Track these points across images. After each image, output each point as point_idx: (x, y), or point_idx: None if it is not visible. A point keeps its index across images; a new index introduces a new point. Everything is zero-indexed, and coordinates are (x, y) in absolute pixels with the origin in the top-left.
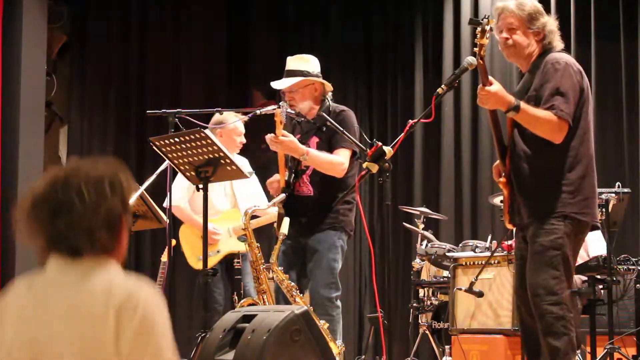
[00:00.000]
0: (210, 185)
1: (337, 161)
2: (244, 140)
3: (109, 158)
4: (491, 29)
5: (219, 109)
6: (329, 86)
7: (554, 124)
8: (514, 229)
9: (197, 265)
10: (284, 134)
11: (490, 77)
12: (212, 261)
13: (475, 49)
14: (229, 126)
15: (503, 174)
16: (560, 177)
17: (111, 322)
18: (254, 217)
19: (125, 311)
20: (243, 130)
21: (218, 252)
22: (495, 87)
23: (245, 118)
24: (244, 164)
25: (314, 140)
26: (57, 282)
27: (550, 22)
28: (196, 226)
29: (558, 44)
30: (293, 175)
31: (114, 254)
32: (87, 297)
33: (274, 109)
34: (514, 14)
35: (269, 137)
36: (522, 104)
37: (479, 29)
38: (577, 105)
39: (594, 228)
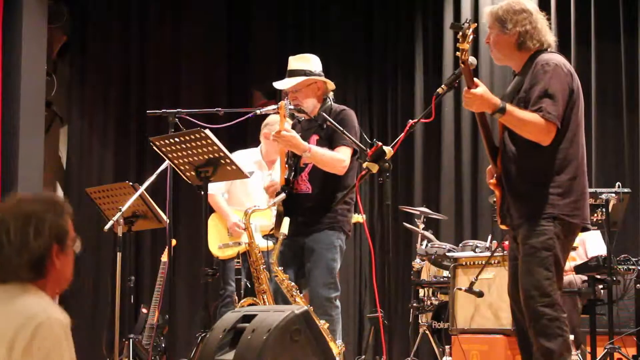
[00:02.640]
0: (251, 181)
1: (339, 158)
2: None
3: (47, 194)
4: (473, 32)
5: (219, 108)
6: (331, 84)
7: (541, 126)
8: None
9: (217, 252)
10: (287, 129)
11: (475, 80)
12: (233, 251)
13: (458, 53)
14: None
15: (495, 175)
16: (549, 178)
17: (7, 341)
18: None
19: (21, 334)
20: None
21: (239, 244)
22: (481, 89)
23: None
24: None
25: (314, 138)
26: None
27: (527, 21)
28: (224, 215)
29: (544, 40)
30: (293, 173)
31: (43, 282)
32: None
33: (274, 109)
34: (489, 17)
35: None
36: (508, 106)
37: (460, 33)
38: (566, 107)
39: (585, 229)
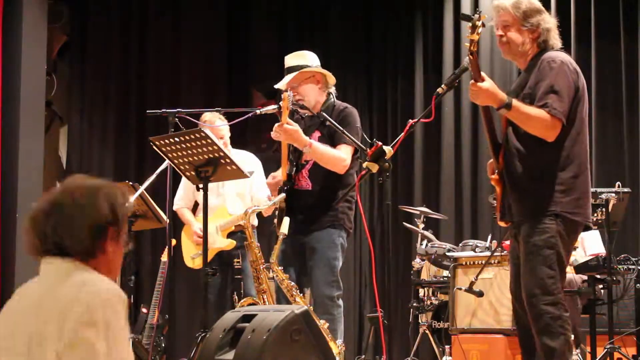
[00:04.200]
0: (222, 183)
1: (340, 156)
2: (227, 142)
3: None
4: (483, 25)
5: (219, 108)
6: (331, 77)
7: (547, 121)
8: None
9: (189, 263)
10: (289, 122)
11: (482, 73)
12: (201, 260)
13: (467, 45)
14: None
15: (496, 171)
16: (553, 175)
17: (59, 320)
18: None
19: (73, 309)
20: (223, 134)
21: None
22: (487, 83)
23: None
24: (250, 160)
25: (316, 135)
26: (39, 283)
27: (547, 20)
28: (190, 226)
29: (556, 42)
30: (294, 168)
31: (96, 262)
32: (55, 296)
33: (274, 108)
34: (508, 11)
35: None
36: (514, 101)
37: (469, 24)
38: (571, 104)
39: (587, 228)
